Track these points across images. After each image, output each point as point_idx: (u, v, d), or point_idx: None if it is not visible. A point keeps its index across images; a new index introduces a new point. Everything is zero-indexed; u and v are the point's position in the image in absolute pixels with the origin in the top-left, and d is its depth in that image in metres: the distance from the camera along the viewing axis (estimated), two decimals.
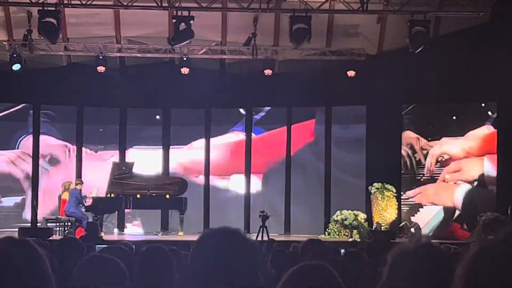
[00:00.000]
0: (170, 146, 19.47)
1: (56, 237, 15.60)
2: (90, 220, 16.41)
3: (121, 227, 18.76)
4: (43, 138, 18.94)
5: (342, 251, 7.29)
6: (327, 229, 17.75)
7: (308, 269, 2.24)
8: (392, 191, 17.30)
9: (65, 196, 17.09)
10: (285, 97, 18.43)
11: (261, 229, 15.76)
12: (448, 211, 17.52)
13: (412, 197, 17.87)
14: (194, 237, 2.45)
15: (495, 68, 16.32)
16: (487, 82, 16.56)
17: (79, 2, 15.05)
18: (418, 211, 17.85)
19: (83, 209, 16.53)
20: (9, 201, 18.70)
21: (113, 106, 19.21)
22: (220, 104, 18.99)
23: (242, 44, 17.03)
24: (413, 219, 17.78)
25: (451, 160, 17.58)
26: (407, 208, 17.87)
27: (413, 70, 16.81)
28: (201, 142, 19.53)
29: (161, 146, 19.47)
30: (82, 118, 19.20)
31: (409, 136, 18.11)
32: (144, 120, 19.65)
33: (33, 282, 2.16)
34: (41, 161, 18.84)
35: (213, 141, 19.46)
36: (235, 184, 19.41)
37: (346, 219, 17.03)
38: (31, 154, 18.79)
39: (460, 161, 17.55)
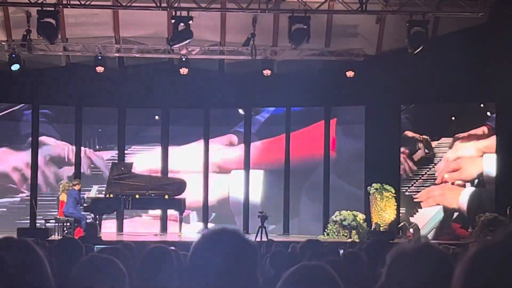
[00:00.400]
0: (169, 146, 19.48)
1: (55, 237, 15.60)
2: (89, 220, 16.45)
3: (120, 227, 18.77)
4: (41, 139, 18.94)
5: (341, 251, 7.30)
6: (326, 230, 17.76)
7: (307, 270, 2.24)
8: (391, 192, 17.31)
9: (63, 197, 17.08)
10: (284, 97, 18.44)
11: (260, 229, 15.77)
12: (448, 211, 17.53)
13: (416, 198, 17.87)
14: (193, 238, 2.46)
15: (494, 68, 16.34)
16: (486, 82, 16.59)
17: (78, 3, 15.04)
18: (417, 211, 17.86)
19: (82, 209, 16.53)
20: (9, 201, 18.69)
21: (112, 106, 19.21)
22: (219, 105, 18.99)
23: (241, 44, 17.03)
24: (412, 219, 17.79)
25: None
26: (406, 209, 17.88)
27: (412, 71, 16.82)
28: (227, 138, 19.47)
29: (160, 146, 19.47)
30: (81, 118, 19.19)
31: (407, 136, 18.12)
32: (143, 120, 19.64)
33: (32, 282, 2.16)
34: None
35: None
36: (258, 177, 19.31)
37: (345, 220, 17.03)
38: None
39: (459, 160, 17.56)
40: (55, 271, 3.97)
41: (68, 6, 15.30)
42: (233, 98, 18.72)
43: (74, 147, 19.15)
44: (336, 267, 2.42)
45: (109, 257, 3.19)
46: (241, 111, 19.54)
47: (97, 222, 16.26)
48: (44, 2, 14.88)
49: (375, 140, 17.94)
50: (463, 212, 17.34)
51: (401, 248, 2.12)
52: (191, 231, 18.14)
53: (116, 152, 19.34)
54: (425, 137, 17.94)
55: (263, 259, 6.35)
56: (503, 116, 17.10)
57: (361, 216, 17.17)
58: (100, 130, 19.52)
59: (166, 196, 17.24)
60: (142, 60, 18.47)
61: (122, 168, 17.66)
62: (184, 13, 15.02)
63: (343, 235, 17.15)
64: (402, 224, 17.57)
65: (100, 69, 17.58)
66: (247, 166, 19.32)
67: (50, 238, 14.55)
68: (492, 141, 17.35)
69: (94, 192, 17.42)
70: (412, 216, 17.84)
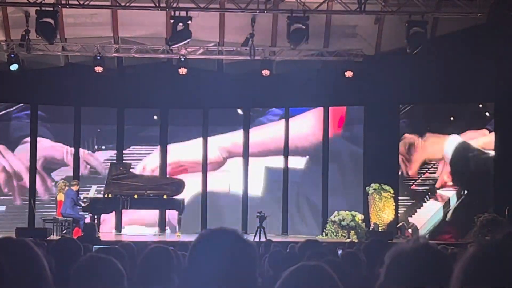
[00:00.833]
0: (168, 144, 19.49)
1: (53, 237, 15.59)
2: (87, 220, 16.44)
3: (118, 227, 18.75)
4: (39, 139, 18.92)
5: (340, 251, 7.30)
6: (324, 230, 17.76)
7: (305, 270, 2.24)
8: (390, 192, 17.31)
9: (60, 197, 17.07)
10: (282, 97, 18.44)
11: (259, 229, 15.77)
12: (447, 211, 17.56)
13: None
14: (192, 238, 2.45)
15: (492, 68, 16.35)
16: (485, 82, 16.59)
17: (77, 3, 15.03)
18: (416, 211, 17.87)
19: (80, 210, 16.53)
20: (8, 201, 18.68)
21: (111, 107, 19.19)
22: (218, 105, 18.98)
23: (240, 44, 17.04)
24: (410, 219, 17.79)
25: None
26: (405, 209, 17.89)
27: (410, 71, 16.82)
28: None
29: (159, 146, 19.47)
30: (80, 118, 19.17)
31: (406, 136, 18.13)
32: (142, 120, 19.62)
33: (31, 283, 2.16)
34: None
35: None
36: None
37: (343, 220, 17.03)
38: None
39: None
40: (53, 271, 3.97)
41: (67, 6, 15.29)
42: (232, 98, 18.71)
43: (69, 148, 19.08)
44: (334, 267, 2.42)
45: (108, 257, 3.20)
46: (240, 111, 19.54)
47: (96, 222, 16.25)
48: (43, 2, 14.87)
49: (374, 140, 17.93)
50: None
51: (399, 248, 2.13)
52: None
53: (115, 152, 19.33)
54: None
55: (262, 259, 6.35)
56: (502, 116, 17.11)
57: (359, 216, 17.17)
58: (99, 130, 19.51)
59: (165, 196, 17.24)
60: (141, 60, 18.46)
61: (121, 168, 17.66)
62: (183, 13, 15.02)
63: (341, 235, 17.15)
64: (400, 224, 17.58)
65: (99, 69, 17.56)
66: (246, 166, 19.33)
67: (48, 238, 14.54)
68: (491, 137, 17.38)
69: (93, 192, 17.40)
70: (411, 216, 17.85)
